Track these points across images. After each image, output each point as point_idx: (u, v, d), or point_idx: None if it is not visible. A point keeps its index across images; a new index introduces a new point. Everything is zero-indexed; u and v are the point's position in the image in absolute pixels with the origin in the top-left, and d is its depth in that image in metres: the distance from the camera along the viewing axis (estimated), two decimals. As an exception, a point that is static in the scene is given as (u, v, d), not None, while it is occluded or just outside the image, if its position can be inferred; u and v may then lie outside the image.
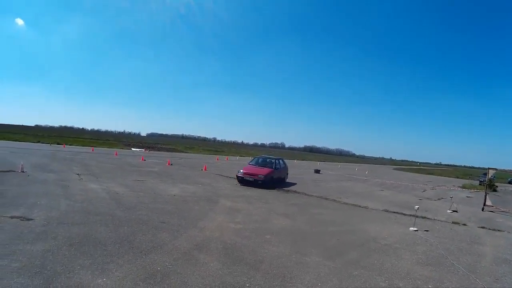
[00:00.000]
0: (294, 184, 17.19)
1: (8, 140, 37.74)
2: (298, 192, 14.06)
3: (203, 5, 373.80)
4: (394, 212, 11.21)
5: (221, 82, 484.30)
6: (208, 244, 5.74)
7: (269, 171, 15.05)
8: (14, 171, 12.56)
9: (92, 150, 31.57)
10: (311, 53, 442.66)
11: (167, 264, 4.67)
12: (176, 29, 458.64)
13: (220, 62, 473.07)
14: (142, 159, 24.61)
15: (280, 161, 17.48)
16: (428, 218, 10.58)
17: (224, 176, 17.97)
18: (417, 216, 9.72)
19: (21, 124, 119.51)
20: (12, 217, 6.35)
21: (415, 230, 8.40)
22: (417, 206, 9.78)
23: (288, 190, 14.38)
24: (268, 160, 16.80)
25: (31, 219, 6.31)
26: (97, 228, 6.07)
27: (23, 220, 6.25)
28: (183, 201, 9.44)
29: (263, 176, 14.41)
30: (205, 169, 20.60)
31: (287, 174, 18.49)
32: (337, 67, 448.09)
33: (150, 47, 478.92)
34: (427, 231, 8.59)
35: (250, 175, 14.65)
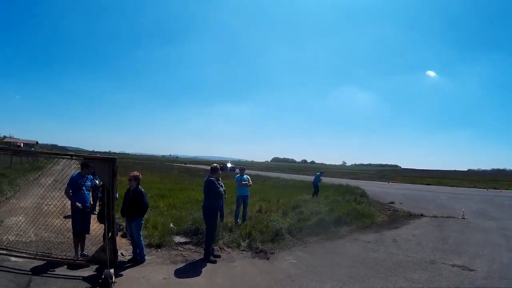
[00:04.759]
0: None
1: (445, 185, 39.60)
2: None
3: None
4: None
5: None
6: None
7: None
8: (454, 217, 12.71)
9: (533, 196, 27.28)
10: None
11: None
12: None
13: None
14: None
15: None
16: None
17: None
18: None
19: (453, 169, 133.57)
20: (453, 265, 6.38)
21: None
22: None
23: None
24: None
25: (473, 270, 6.17)
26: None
27: (464, 269, 6.19)
28: None
29: None
30: None
31: None
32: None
33: None
34: None
35: None
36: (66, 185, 5.67)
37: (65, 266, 5.33)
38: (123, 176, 9.49)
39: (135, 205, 5.75)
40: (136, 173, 6.10)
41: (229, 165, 49.75)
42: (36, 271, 5.06)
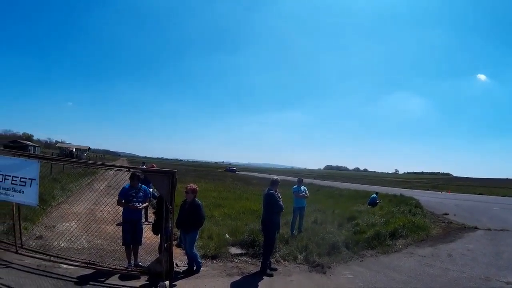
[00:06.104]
0: None
1: (497, 195, 37.07)
2: None
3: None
4: None
5: None
6: None
7: None
8: (508, 230, 12.28)
9: None
10: None
11: None
12: None
13: None
14: None
15: None
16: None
17: None
18: None
19: (504, 177, 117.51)
20: (507, 283, 6.23)
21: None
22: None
23: None
24: None
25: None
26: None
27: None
28: None
29: None
30: None
31: None
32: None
33: None
34: None
35: None
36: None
37: (117, 275, 5.24)
38: (177, 183, 9.42)
39: (192, 218, 5.58)
40: (193, 185, 5.93)
41: (234, 168, 72.71)
42: (86, 279, 5.02)
